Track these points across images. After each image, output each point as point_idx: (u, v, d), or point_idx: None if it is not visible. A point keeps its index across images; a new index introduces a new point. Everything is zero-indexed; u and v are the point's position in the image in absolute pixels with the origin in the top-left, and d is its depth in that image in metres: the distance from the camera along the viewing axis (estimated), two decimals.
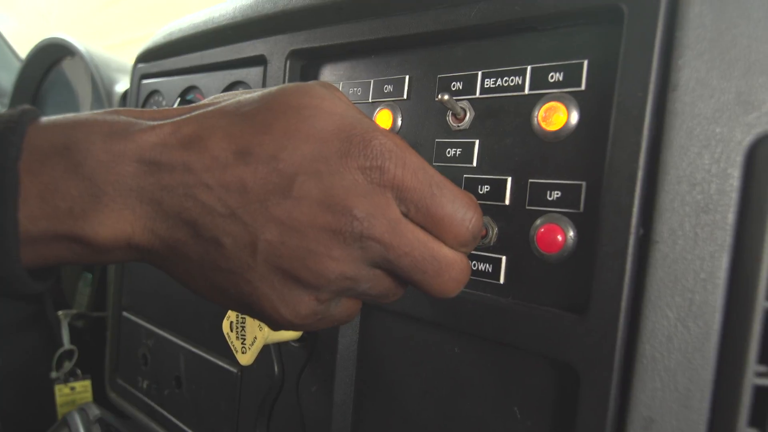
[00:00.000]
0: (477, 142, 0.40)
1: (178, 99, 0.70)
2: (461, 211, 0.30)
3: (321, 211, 0.28)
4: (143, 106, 0.79)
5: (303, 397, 0.53)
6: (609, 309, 0.32)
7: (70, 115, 0.29)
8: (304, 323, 0.30)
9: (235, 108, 0.29)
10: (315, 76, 0.54)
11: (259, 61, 0.58)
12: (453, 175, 0.41)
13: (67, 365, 0.96)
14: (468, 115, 0.41)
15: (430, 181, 0.30)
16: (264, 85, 0.57)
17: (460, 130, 0.41)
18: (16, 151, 0.26)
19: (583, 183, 0.35)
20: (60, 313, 0.99)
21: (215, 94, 0.65)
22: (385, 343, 0.46)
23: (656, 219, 0.30)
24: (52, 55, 1.20)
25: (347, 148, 0.28)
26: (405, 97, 0.45)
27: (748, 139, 0.29)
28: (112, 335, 0.83)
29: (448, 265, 0.31)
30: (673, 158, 0.30)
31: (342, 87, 0.50)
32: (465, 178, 0.41)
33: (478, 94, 0.40)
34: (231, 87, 0.64)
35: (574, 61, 0.35)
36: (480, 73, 0.40)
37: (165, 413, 0.72)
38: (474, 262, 0.40)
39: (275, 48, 0.55)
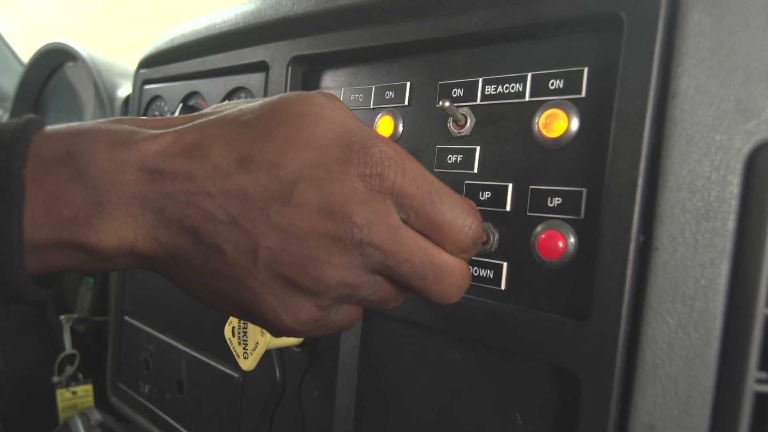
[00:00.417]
0: (478, 148, 0.40)
1: (180, 104, 0.70)
2: (461, 218, 0.30)
3: (321, 218, 0.28)
4: (145, 111, 0.80)
5: (304, 402, 0.53)
6: (610, 315, 0.32)
7: (74, 124, 0.29)
8: (305, 330, 0.31)
9: (237, 116, 0.30)
10: (316, 82, 0.54)
11: (261, 67, 0.58)
12: (454, 181, 0.41)
13: (69, 369, 0.96)
14: (469, 121, 0.41)
15: (430, 188, 0.30)
16: (265, 91, 0.58)
17: (461, 137, 0.41)
18: (21, 159, 0.27)
19: (584, 190, 0.35)
20: (62, 317, 0.99)
21: (217, 99, 0.65)
22: (387, 348, 0.46)
23: (657, 226, 0.31)
24: (55, 60, 1.21)
25: (347, 156, 0.28)
26: (406, 103, 0.45)
27: (747, 147, 0.29)
28: (114, 339, 0.84)
29: (448, 272, 0.31)
30: (673, 165, 0.30)
31: (343, 93, 0.51)
32: (466, 184, 0.41)
33: (478, 101, 0.41)
34: (233, 93, 0.64)
35: (574, 69, 0.36)
36: (481, 79, 0.40)
37: (167, 418, 0.72)
38: (475, 268, 0.40)
39: (277, 54, 0.56)
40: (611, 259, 0.32)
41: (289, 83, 0.54)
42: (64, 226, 0.27)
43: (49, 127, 0.29)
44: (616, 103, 0.32)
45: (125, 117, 0.31)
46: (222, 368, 0.62)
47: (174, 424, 0.70)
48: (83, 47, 1.08)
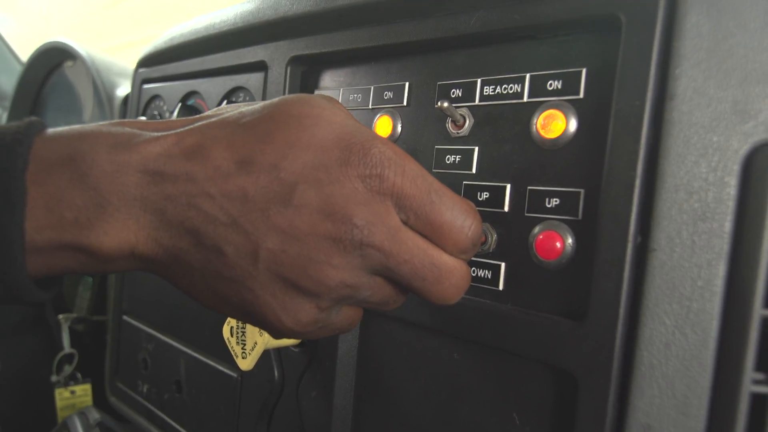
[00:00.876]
0: (476, 149, 0.40)
1: (179, 104, 0.70)
2: (460, 218, 0.31)
3: (321, 219, 0.28)
4: (144, 110, 0.80)
5: (303, 402, 0.53)
6: (607, 316, 0.32)
7: (75, 127, 0.29)
8: (305, 331, 0.31)
9: (237, 118, 0.30)
10: (315, 82, 0.54)
11: (260, 66, 0.58)
12: (452, 181, 0.41)
13: (68, 369, 0.97)
14: (467, 122, 0.41)
15: (429, 189, 0.30)
16: (264, 91, 0.58)
17: (459, 137, 0.42)
18: (23, 161, 0.27)
19: (582, 190, 0.35)
20: (60, 316, 0.99)
21: (216, 99, 0.65)
22: (385, 348, 0.46)
23: (654, 227, 0.31)
24: (54, 59, 1.21)
25: (347, 157, 0.29)
26: (405, 103, 0.46)
27: (744, 148, 0.29)
28: (113, 339, 0.84)
29: (448, 272, 0.31)
30: (671, 166, 0.30)
31: (342, 93, 0.51)
32: (464, 184, 0.41)
33: (477, 102, 0.41)
34: (232, 92, 0.64)
35: (572, 70, 0.36)
36: (479, 80, 0.41)
37: (165, 417, 0.72)
38: (473, 268, 0.40)
39: (276, 54, 0.56)
40: (609, 259, 0.32)
41: (288, 83, 0.54)
42: (65, 228, 0.27)
43: (51, 130, 0.29)
44: (614, 105, 0.32)
45: (126, 120, 0.31)
46: (220, 368, 0.62)
47: (172, 423, 0.70)
48: (82, 46, 1.08)
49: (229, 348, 0.47)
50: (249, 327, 0.46)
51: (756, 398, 0.29)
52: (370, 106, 0.48)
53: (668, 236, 0.30)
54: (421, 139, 0.44)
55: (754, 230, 0.28)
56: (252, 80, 0.60)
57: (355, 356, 0.48)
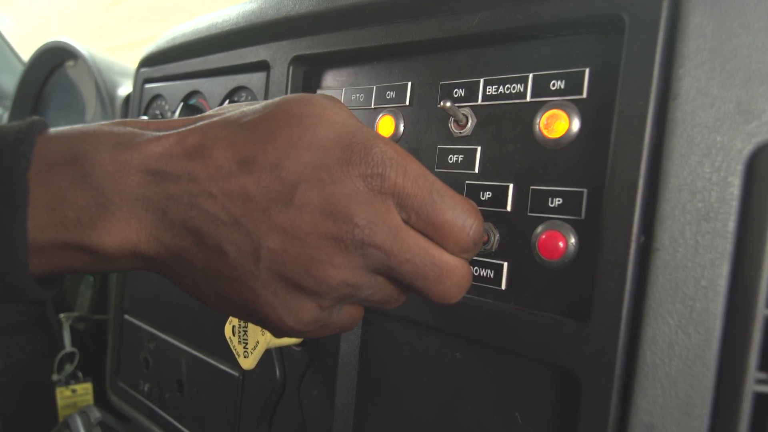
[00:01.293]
0: (479, 148, 0.40)
1: (181, 104, 0.70)
2: (462, 218, 0.31)
3: (322, 218, 0.28)
4: (146, 110, 0.80)
5: (304, 402, 0.53)
6: (610, 316, 0.32)
7: (77, 126, 0.29)
8: (307, 330, 0.31)
9: (239, 118, 0.30)
10: (318, 82, 0.54)
11: (262, 66, 0.58)
12: (455, 181, 0.41)
13: (69, 368, 0.97)
14: (470, 121, 0.41)
15: (431, 188, 0.30)
16: (266, 91, 0.58)
17: (462, 137, 0.42)
18: (25, 161, 0.27)
19: (585, 190, 0.35)
20: (61, 315, 0.99)
21: (218, 99, 0.65)
22: (387, 347, 0.46)
23: (657, 227, 0.31)
24: (55, 58, 1.21)
25: (348, 156, 0.29)
26: (407, 103, 0.45)
27: (748, 148, 0.29)
28: (114, 338, 0.84)
29: (449, 271, 0.31)
30: (674, 166, 0.30)
31: (344, 93, 0.51)
32: (467, 184, 0.41)
33: (480, 101, 0.41)
34: (234, 92, 0.64)
35: (575, 69, 0.36)
36: (482, 80, 0.41)
37: (166, 416, 0.72)
38: (476, 268, 0.40)
39: (278, 54, 0.56)
40: (612, 259, 0.32)
41: (290, 83, 0.54)
42: (67, 227, 0.27)
43: (53, 129, 0.29)
44: (618, 104, 0.32)
45: (128, 119, 0.31)
46: (222, 367, 0.62)
47: (174, 422, 0.70)
48: (84, 46, 1.08)
49: (231, 347, 0.47)
50: (251, 326, 0.46)
51: (759, 398, 0.29)
52: (373, 106, 0.48)
53: (671, 236, 0.30)
54: (424, 138, 0.44)
55: (757, 230, 0.28)
56: (254, 80, 0.60)
57: (357, 355, 0.48)
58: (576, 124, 0.35)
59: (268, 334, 0.45)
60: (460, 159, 0.41)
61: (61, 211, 0.27)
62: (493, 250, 0.39)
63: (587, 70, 0.35)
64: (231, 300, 0.30)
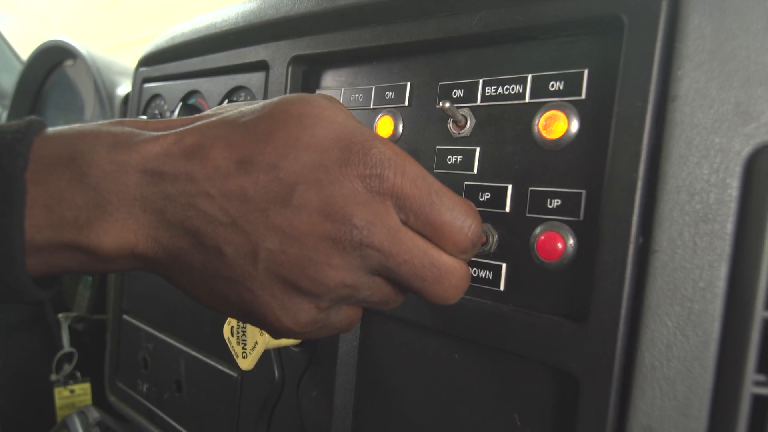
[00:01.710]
0: (478, 149, 0.40)
1: (180, 103, 0.70)
2: (460, 219, 0.31)
3: (321, 219, 0.28)
4: (145, 109, 0.80)
5: (303, 402, 0.53)
6: (608, 317, 0.32)
7: (75, 126, 0.29)
8: (305, 331, 0.31)
9: (237, 118, 0.30)
10: (317, 82, 0.54)
11: (261, 66, 0.58)
12: (454, 182, 0.41)
13: (67, 368, 0.96)
14: (469, 122, 0.41)
15: (429, 189, 0.30)
16: (266, 91, 0.58)
17: (460, 138, 0.42)
18: (23, 161, 0.27)
19: (583, 191, 0.35)
20: (60, 315, 0.99)
21: (217, 98, 0.65)
22: (386, 348, 0.46)
23: (656, 228, 0.31)
24: (54, 58, 1.21)
25: (347, 157, 0.29)
26: (406, 104, 0.45)
27: (747, 150, 0.29)
28: (112, 338, 0.84)
29: (447, 272, 0.31)
30: (673, 168, 0.30)
31: (343, 93, 0.51)
32: (466, 185, 0.41)
33: (479, 102, 0.41)
34: (233, 92, 0.64)
35: (574, 70, 0.36)
36: (481, 80, 0.41)
37: (165, 417, 0.72)
38: (474, 269, 0.40)
39: (277, 54, 0.56)
40: (610, 260, 0.32)
41: (289, 83, 0.54)
42: (65, 227, 0.27)
43: (51, 129, 0.29)
44: (616, 105, 0.32)
45: (126, 119, 0.31)
46: (221, 368, 0.62)
47: (172, 423, 0.70)
48: (82, 45, 1.08)
49: (230, 348, 0.47)
50: (249, 327, 0.46)
51: (757, 400, 0.28)
52: (372, 106, 0.48)
53: (670, 237, 0.30)
54: (423, 139, 0.44)
55: (755, 232, 0.28)
56: (253, 80, 0.60)
57: (355, 356, 0.48)
58: (575, 125, 0.35)
59: (266, 335, 0.45)
60: (458, 160, 0.41)
61: (59, 211, 0.27)
62: (492, 251, 0.39)
63: (586, 71, 0.35)
64: (229, 301, 0.30)
